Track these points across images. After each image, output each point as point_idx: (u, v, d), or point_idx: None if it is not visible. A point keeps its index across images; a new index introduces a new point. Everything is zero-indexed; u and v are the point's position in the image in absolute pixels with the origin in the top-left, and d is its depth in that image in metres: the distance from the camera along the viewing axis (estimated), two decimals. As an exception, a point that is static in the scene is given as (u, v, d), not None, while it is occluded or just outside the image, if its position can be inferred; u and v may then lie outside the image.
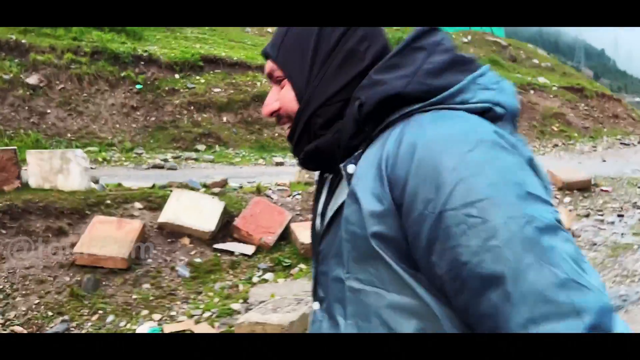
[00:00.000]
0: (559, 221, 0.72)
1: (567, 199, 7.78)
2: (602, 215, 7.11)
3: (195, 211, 5.57)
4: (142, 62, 13.21)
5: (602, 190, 8.41)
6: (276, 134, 13.17)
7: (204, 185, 6.70)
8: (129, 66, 12.91)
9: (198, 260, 5.28)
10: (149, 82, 12.90)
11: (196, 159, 11.10)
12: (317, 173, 1.06)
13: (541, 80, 20.39)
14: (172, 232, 5.49)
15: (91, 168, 7.64)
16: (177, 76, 13.39)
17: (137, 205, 5.76)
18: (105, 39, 13.12)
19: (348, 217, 0.82)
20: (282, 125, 1.00)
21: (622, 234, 6.08)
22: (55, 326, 4.18)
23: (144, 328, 4.28)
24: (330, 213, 0.90)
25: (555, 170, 8.39)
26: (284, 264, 5.38)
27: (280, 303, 4.22)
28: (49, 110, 11.46)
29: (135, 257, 5.02)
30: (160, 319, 4.43)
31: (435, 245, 0.72)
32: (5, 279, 4.52)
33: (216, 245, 5.49)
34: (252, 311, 4.17)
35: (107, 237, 4.95)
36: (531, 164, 0.79)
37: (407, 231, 0.76)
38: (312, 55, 0.92)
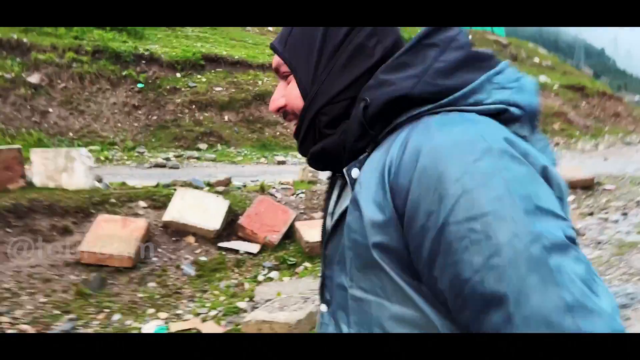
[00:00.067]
0: (570, 238, 0.67)
1: (570, 198, 7.79)
2: (606, 213, 7.11)
3: (200, 210, 5.57)
4: (144, 61, 13.21)
5: (605, 189, 8.42)
6: (277, 133, 13.19)
7: (208, 184, 6.70)
8: (131, 65, 12.92)
9: (203, 258, 5.27)
10: (150, 81, 12.90)
11: (198, 158, 11.11)
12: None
13: (542, 79, 20.40)
14: (177, 231, 5.49)
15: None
16: (178, 75, 13.40)
17: (142, 204, 5.76)
18: (106, 38, 13.12)
19: (350, 224, 0.79)
20: (289, 122, 0.96)
21: (627, 232, 6.09)
22: (62, 325, 4.17)
23: (150, 326, 4.28)
24: (335, 217, 0.87)
25: (558, 168, 8.38)
26: (289, 263, 5.38)
27: (287, 301, 4.21)
28: (50, 109, 11.46)
29: (143, 256, 5.02)
30: (167, 318, 4.43)
31: (437, 259, 0.68)
32: (11, 277, 4.52)
33: (221, 244, 5.49)
34: (258, 309, 4.17)
35: (112, 236, 4.95)
36: (545, 173, 0.73)
37: (409, 242, 0.72)
38: (318, 51, 0.89)
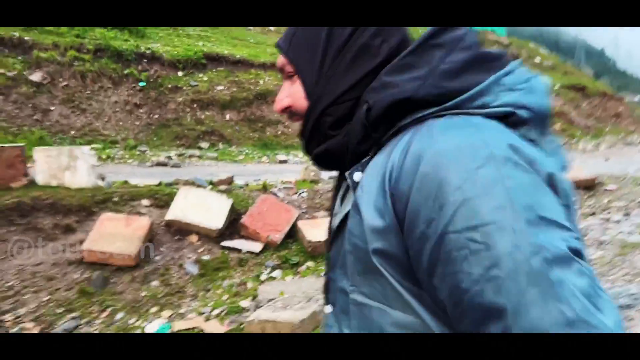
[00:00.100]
0: (574, 250, 0.65)
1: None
2: (608, 214, 7.12)
3: (203, 209, 5.57)
4: (145, 60, 13.21)
5: (606, 189, 8.42)
6: (279, 132, 13.19)
7: (210, 183, 6.70)
8: (132, 63, 12.92)
9: (206, 257, 5.28)
10: (152, 80, 12.90)
11: (199, 157, 11.11)
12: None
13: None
14: (180, 230, 5.49)
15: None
16: (180, 74, 13.39)
17: (144, 202, 5.76)
18: (108, 37, 13.12)
19: (351, 229, 0.78)
20: (294, 122, 0.94)
21: (629, 232, 6.09)
22: (65, 323, 4.18)
23: (154, 325, 4.28)
24: (337, 220, 0.86)
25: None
26: (292, 262, 5.38)
27: (290, 301, 4.22)
28: (52, 108, 11.46)
29: (144, 256, 5.02)
30: (170, 317, 4.43)
31: (436, 268, 0.67)
32: (15, 275, 4.52)
33: (224, 243, 5.49)
34: (262, 309, 4.17)
35: (115, 234, 4.95)
36: (551, 181, 0.70)
37: (408, 249, 0.71)
38: (322, 51, 0.87)
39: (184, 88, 13.03)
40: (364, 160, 0.81)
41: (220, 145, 12.17)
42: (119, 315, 4.38)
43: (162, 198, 5.84)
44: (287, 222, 5.78)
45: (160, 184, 6.44)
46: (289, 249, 5.59)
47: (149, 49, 13.46)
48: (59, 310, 4.30)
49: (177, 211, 5.51)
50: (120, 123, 11.97)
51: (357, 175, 0.81)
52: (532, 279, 0.61)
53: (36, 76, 11.64)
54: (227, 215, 5.62)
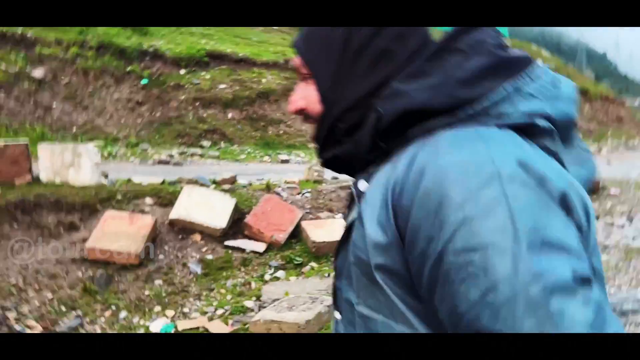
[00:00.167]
0: (582, 277, 0.61)
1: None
2: (611, 218, 7.11)
3: (207, 208, 5.55)
4: (148, 57, 13.18)
5: (609, 193, 8.41)
6: (281, 131, 13.17)
7: (214, 182, 6.68)
8: (135, 61, 12.88)
9: (209, 257, 5.26)
10: (154, 78, 12.87)
11: (201, 155, 11.09)
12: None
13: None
14: (184, 229, 5.47)
15: (99, 163, 7.60)
16: (182, 72, 13.36)
17: (148, 200, 5.74)
18: (111, 34, 13.08)
19: (355, 241, 0.76)
20: (309, 124, 0.91)
21: (633, 237, 6.08)
22: (69, 321, 4.16)
23: (157, 324, 4.27)
24: (343, 230, 0.83)
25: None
26: (295, 262, 5.37)
27: (295, 301, 4.20)
28: (54, 104, 11.43)
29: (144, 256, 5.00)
30: (173, 316, 4.42)
31: (436, 288, 0.65)
32: (18, 272, 4.50)
33: (227, 242, 5.47)
34: (267, 309, 4.15)
35: (119, 233, 4.94)
36: (565, 199, 0.66)
37: (410, 266, 0.69)
38: (339, 54, 0.83)
39: (186, 86, 13.00)
40: (370, 169, 0.79)
41: (222, 144, 12.15)
42: (123, 314, 4.36)
43: (165, 196, 5.83)
44: (291, 222, 5.77)
45: (163, 182, 6.42)
46: (293, 249, 5.58)
47: (151, 46, 13.43)
48: (63, 309, 4.29)
49: (181, 210, 5.50)
50: (122, 120, 11.94)
51: (362, 185, 0.79)
52: (530, 308, 0.58)
53: (38, 72, 11.61)
54: (231, 214, 5.60)
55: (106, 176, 6.42)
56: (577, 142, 0.81)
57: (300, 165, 10.09)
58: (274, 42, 16.72)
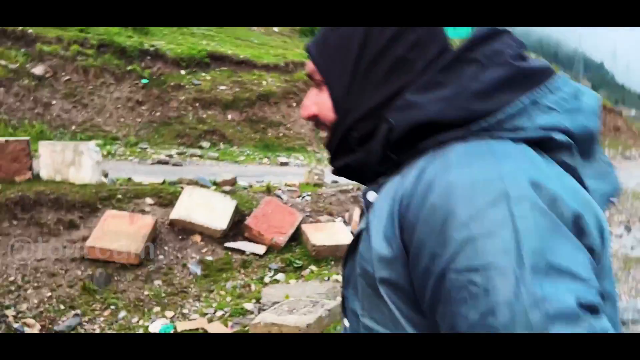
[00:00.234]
0: (588, 305, 0.59)
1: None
2: (609, 227, 7.14)
3: (207, 209, 5.54)
4: (149, 57, 13.16)
5: (607, 202, 8.45)
6: (281, 134, 13.16)
7: (214, 183, 6.67)
8: (135, 60, 12.86)
9: (209, 258, 5.25)
10: (154, 77, 12.85)
11: (200, 156, 11.07)
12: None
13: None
14: (184, 229, 5.46)
15: (99, 161, 7.57)
16: (183, 72, 13.34)
17: (148, 200, 5.73)
18: (112, 32, 13.07)
19: (362, 252, 0.75)
20: (322, 130, 0.89)
21: (631, 247, 6.10)
22: (68, 320, 4.14)
23: (157, 325, 4.25)
24: (352, 238, 0.82)
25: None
26: (295, 265, 5.36)
27: (296, 304, 4.19)
28: (54, 102, 11.40)
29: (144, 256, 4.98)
30: (173, 317, 4.40)
31: (438, 306, 0.64)
32: (17, 270, 4.47)
33: (227, 244, 5.46)
34: (267, 312, 4.14)
35: (119, 232, 4.92)
36: (577, 221, 0.64)
37: (413, 281, 0.68)
38: (354, 62, 0.80)
39: (187, 86, 12.98)
40: (381, 180, 0.78)
41: (222, 145, 12.13)
42: (122, 314, 4.34)
43: (166, 197, 5.81)
44: (291, 224, 5.76)
45: (164, 182, 6.40)
46: (293, 252, 5.57)
47: (152, 46, 13.42)
48: (62, 307, 4.26)
49: (181, 210, 5.48)
50: (122, 119, 11.92)
51: (371, 195, 0.77)
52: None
53: (38, 69, 11.57)
54: (231, 216, 5.60)
55: (106, 175, 6.40)
56: (599, 155, 0.79)
57: (299, 168, 10.10)
58: (275, 45, 16.74)
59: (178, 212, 5.47)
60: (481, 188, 0.63)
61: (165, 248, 5.20)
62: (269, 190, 6.59)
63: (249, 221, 5.65)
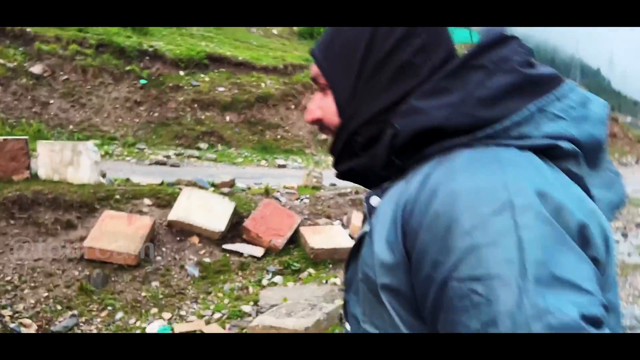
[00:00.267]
0: (591, 318, 0.58)
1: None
2: (608, 234, 7.17)
3: (206, 210, 5.53)
4: (147, 57, 13.14)
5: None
6: (279, 136, 13.16)
7: (212, 185, 6.66)
8: (134, 60, 12.84)
9: (207, 260, 5.23)
10: (153, 78, 12.83)
11: (198, 157, 11.05)
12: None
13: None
14: (182, 231, 5.44)
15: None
16: (181, 73, 13.33)
17: (146, 201, 5.71)
18: (111, 32, 13.05)
19: (365, 257, 0.75)
20: (326, 134, 0.88)
21: (628, 253, 6.12)
22: (65, 321, 4.12)
23: (154, 326, 4.24)
24: (355, 242, 0.82)
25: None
26: (293, 268, 5.35)
27: (294, 307, 4.18)
28: (51, 101, 11.37)
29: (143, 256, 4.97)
30: (170, 318, 4.38)
31: (439, 314, 0.64)
32: (13, 270, 4.45)
33: (225, 246, 5.45)
34: (265, 314, 4.13)
35: (117, 233, 4.90)
36: (582, 232, 0.64)
37: (415, 288, 0.67)
38: (359, 66, 0.79)
39: (185, 87, 12.96)
40: (384, 185, 0.77)
41: (220, 147, 12.11)
42: (119, 315, 4.32)
43: (164, 198, 5.80)
44: (290, 227, 5.76)
45: (162, 183, 6.39)
46: (291, 254, 5.56)
47: (151, 46, 13.40)
48: (59, 308, 4.24)
49: (180, 212, 5.47)
50: (120, 120, 11.89)
51: (374, 200, 0.77)
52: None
53: (37, 68, 11.54)
54: (230, 218, 5.58)
55: (104, 175, 6.38)
56: (606, 164, 0.79)
57: (297, 171, 10.09)
58: (274, 47, 16.75)
59: (176, 213, 5.46)
60: (485, 196, 0.62)
61: (163, 249, 5.18)
62: (267, 193, 6.58)
63: (247, 223, 5.64)
